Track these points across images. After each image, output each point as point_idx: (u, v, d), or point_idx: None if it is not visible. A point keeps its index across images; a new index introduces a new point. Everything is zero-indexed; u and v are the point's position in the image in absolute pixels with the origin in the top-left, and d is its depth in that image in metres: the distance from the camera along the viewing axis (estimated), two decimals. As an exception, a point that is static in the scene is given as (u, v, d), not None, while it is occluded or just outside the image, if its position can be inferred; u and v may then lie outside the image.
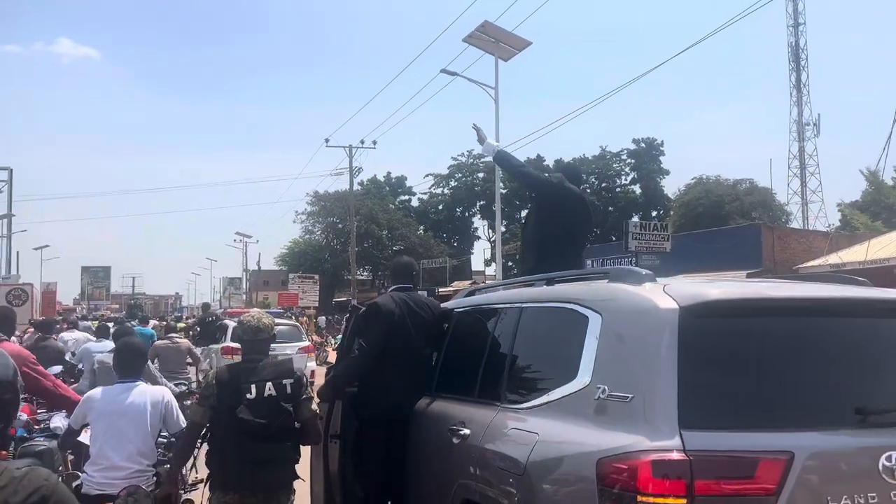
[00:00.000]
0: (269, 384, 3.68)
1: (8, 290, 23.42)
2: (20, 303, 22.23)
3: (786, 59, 47.90)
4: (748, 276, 23.83)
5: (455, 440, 3.51)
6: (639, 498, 2.44)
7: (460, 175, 63.02)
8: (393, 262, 5.15)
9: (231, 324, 14.57)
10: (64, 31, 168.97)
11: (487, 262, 64.63)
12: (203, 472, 4.20)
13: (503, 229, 63.04)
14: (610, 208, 61.49)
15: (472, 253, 65.54)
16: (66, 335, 12.46)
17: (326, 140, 37.06)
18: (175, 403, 4.25)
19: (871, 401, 2.70)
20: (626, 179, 63.18)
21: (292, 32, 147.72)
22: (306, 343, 15.66)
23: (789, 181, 50.31)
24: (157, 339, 10.63)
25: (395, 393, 4.16)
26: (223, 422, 3.67)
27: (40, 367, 5.02)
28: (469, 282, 50.61)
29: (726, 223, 41.14)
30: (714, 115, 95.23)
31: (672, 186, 61.56)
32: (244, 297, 66.00)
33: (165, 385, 5.82)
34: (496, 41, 18.56)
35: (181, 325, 19.32)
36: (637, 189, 62.22)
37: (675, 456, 2.43)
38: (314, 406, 3.88)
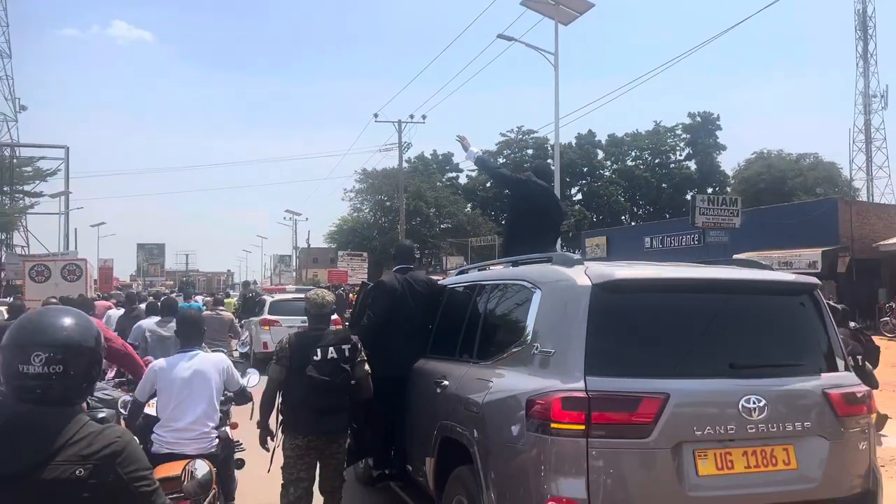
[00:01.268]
0: (331, 348, 4.61)
1: (63, 265, 24.01)
2: (75, 278, 23.05)
3: (852, 28, 46.90)
4: (824, 253, 23.13)
5: (438, 390, 4.51)
6: (552, 425, 3.37)
7: (509, 152, 63.48)
8: (396, 245, 6.17)
9: (268, 299, 16.47)
10: (119, 15, 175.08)
11: (536, 240, 65.25)
12: (238, 437, 5.21)
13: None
14: (663, 185, 61.22)
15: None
16: (112, 312, 14.11)
17: (375, 115, 37.15)
18: (232, 365, 4.58)
19: (737, 357, 3.60)
20: (680, 155, 62.75)
21: (342, 6, 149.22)
22: (336, 317, 17.02)
23: (853, 156, 49.28)
24: (205, 311, 11.99)
25: (398, 356, 5.14)
26: (295, 378, 4.58)
27: (111, 333, 5.59)
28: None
29: (789, 199, 40.68)
30: (775, 88, 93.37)
31: (729, 162, 61.05)
32: (294, 274, 68.12)
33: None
34: (556, 3, 17.97)
35: (229, 300, 20.82)
36: (692, 165, 61.72)
37: (578, 394, 3.35)
38: (366, 367, 4.75)
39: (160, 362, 4.51)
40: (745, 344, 3.73)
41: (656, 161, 62.28)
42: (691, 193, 60.87)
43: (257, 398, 4.84)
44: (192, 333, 4.60)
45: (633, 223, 57.91)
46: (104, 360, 5.67)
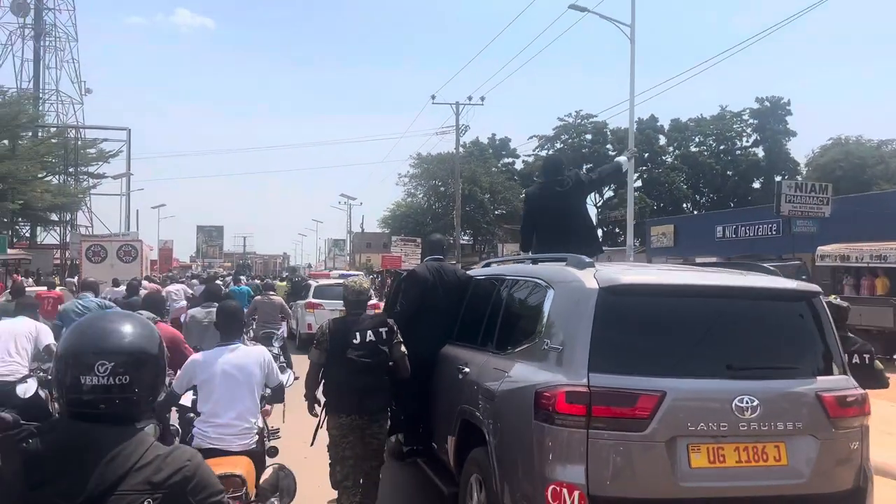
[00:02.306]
0: (369, 332, 4.97)
1: (119, 245, 24.52)
2: (130, 259, 23.52)
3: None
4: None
5: (460, 376, 4.93)
6: (556, 415, 3.75)
7: (566, 137, 63.14)
8: (427, 238, 6.64)
9: (313, 284, 17.86)
10: (182, 2, 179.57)
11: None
12: (276, 424, 5.61)
13: (611, 193, 63.23)
14: (728, 172, 60.01)
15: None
16: (170, 287, 16.29)
17: (433, 97, 37.26)
18: (273, 360, 4.61)
19: (734, 359, 3.91)
20: (747, 141, 61.37)
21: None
22: (374, 301, 17.89)
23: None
24: (257, 296, 12.81)
25: (427, 341, 5.57)
26: (336, 361, 4.95)
27: (188, 347, 5.61)
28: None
29: (868, 188, 39.44)
30: (851, 71, 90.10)
31: (800, 149, 59.31)
32: (347, 258, 69.38)
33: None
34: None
35: (281, 284, 21.74)
36: (759, 152, 60.35)
37: (581, 389, 3.72)
38: (403, 349, 5.11)
39: (199, 356, 4.54)
40: (743, 347, 4.03)
41: (721, 147, 61.06)
42: (759, 181, 59.82)
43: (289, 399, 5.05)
44: (232, 326, 4.59)
45: (694, 212, 57.08)
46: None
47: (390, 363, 5.08)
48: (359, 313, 5.16)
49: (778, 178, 59.59)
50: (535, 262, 5.09)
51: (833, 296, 6.06)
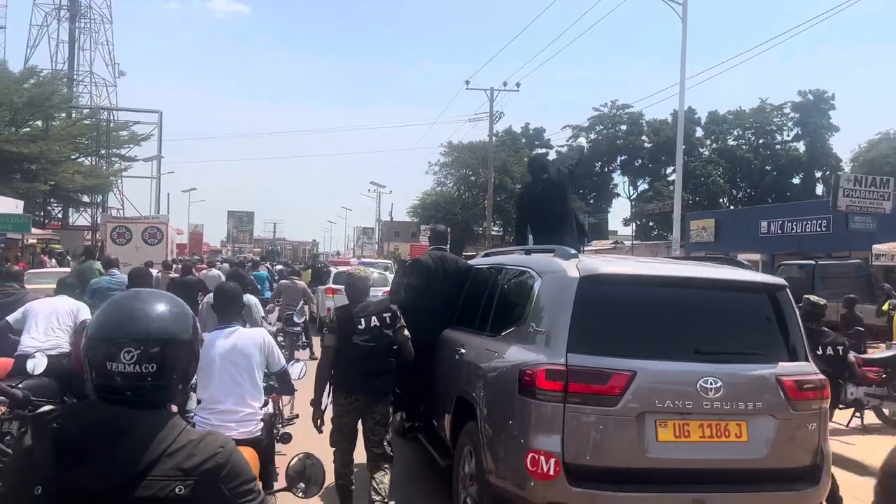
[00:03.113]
0: (373, 317, 5.27)
1: (144, 227, 24.10)
2: (155, 241, 23.36)
3: None
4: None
5: (457, 357, 5.45)
6: (536, 391, 4.24)
7: (601, 127, 63.15)
8: (431, 228, 7.17)
9: (333, 270, 19.38)
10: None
11: (626, 222, 64.68)
12: (297, 410, 5.93)
13: (645, 186, 63.07)
14: (767, 167, 59.65)
15: (610, 211, 65.58)
16: (212, 271, 16.60)
17: (467, 82, 36.98)
18: (274, 343, 4.53)
19: (702, 345, 4.37)
20: (787, 135, 60.90)
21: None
22: (386, 289, 18.84)
23: None
24: (283, 280, 13.85)
25: (429, 326, 6.07)
26: (344, 346, 5.22)
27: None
28: (609, 242, 51.05)
29: (917, 185, 39.10)
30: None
31: (844, 144, 58.54)
32: (375, 247, 70.20)
33: (266, 327, 7.23)
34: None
35: (306, 271, 22.58)
36: (800, 146, 59.88)
37: (559, 368, 4.20)
38: (406, 333, 5.39)
39: None
40: (710, 333, 4.49)
41: (760, 141, 60.68)
42: (798, 177, 59.30)
43: (301, 392, 5.26)
44: (229, 308, 4.55)
45: (731, 207, 56.81)
46: None
47: (395, 347, 5.40)
48: (361, 300, 5.47)
49: (818, 174, 59.25)
50: (528, 252, 5.58)
51: (813, 296, 6.52)
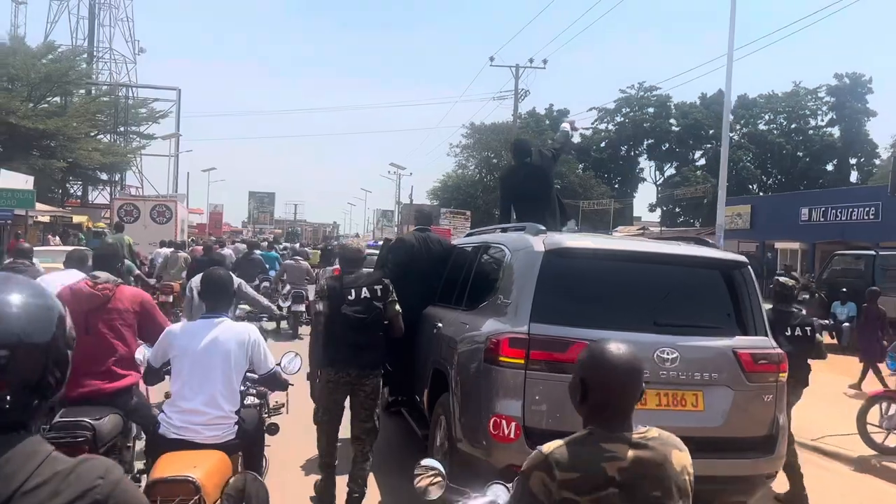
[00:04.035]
0: (364, 289, 5.33)
1: (153, 205, 24.08)
2: (164, 220, 23.18)
3: None
4: None
5: (435, 331, 5.75)
6: (500, 358, 4.52)
7: (627, 110, 62.79)
8: (415, 209, 7.47)
9: None
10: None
11: (652, 207, 64.48)
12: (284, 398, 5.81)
13: (672, 171, 62.78)
14: (799, 153, 59.00)
15: (635, 196, 65.31)
16: (224, 250, 17.25)
17: (491, 58, 35.99)
18: (262, 342, 4.18)
19: (661, 317, 4.62)
20: (821, 120, 60.10)
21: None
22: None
23: None
24: (287, 260, 14.28)
25: (412, 302, 6.30)
26: (332, 317, 5.27)
27: (160, 314, 4.97)
28: (636, 228, 50.90)
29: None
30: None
31: (882, 130, 57.63)
32: (395, 230, 70.59)
33: (264, 305, 7.30)
34: None
35: (315, 251, 22.99)
36: (835, 132, 59.13)
37: (521, 336, 4.48)
38: (397, 307, 5.46)
39: (176, 326, 4.18)
40: (670, 307, 4.75)
41: (793, 126, 59.94)
42: (832, 164, 58.53)
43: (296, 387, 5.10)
44: (218, 296, 4.23)
45: (760, 193, 56.38)
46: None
47: (385, 322, 5.47)
48: (353, 271, 5.54)
49: (853, 161, 58.47)
50: (504, 231, 5.86)
51: (783, 277, 6.76)
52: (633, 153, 65.11)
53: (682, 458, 2.14)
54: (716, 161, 59.70)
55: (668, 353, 4.47)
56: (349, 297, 5.33)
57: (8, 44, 34.46)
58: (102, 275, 4.72)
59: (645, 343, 4.51)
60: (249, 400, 4.51)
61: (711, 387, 4.55)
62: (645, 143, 63.56)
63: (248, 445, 4.11)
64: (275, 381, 4.37)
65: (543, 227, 5.04)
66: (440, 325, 5.72)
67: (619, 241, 5.17)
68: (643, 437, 2.10)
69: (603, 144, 64.82)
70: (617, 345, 2.14)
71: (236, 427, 3.93)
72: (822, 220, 28.86)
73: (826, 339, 10.10)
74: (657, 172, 64.83)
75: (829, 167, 59.05)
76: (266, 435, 4.54)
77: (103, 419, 4.19)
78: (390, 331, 5.55)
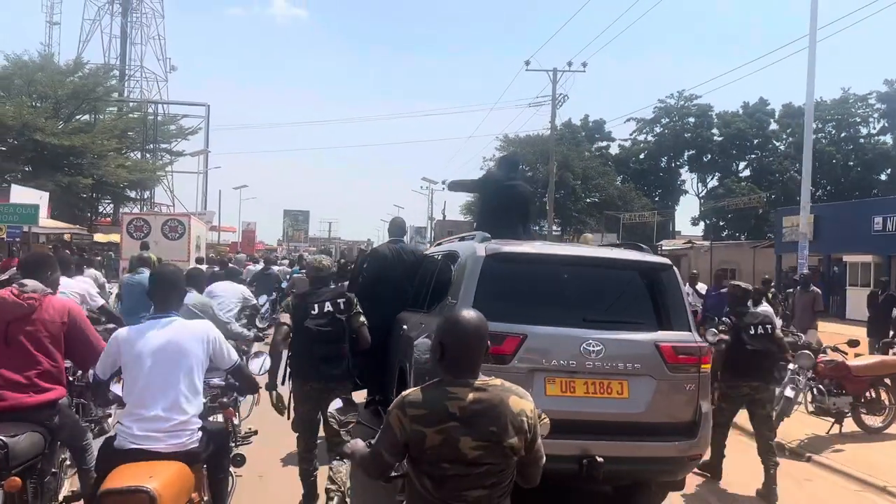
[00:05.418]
0: (327, 303, 5.67)
1: (164, 221, 23.24)
2: (176, 236, 22.31)
3: None
4: None
5: (401, 333, 6.50)
6: (443, 351, 5.23)
7: (667, 120, 62.97)
8: (390, 221, 8.22)
9: None
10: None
11: (695, 221, 64.31)
12: (255, 425, 6.00)
13: (715, 182, 62.61)
14: (850, 162, 58.52)
15: (677, 208, 65.15)
16: (250, 267, 18.33)
17: (527, 63, 35.85)
18: (221, 337, 4.14)
19: (589, 314, 5.30)
20: (873, 128, 59.63)
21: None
22: None
23: None
24: (296, 274, 15.32)
25: (386, 309, 7.08)
26: (298, 331, 5.60)
27: (92, 331, 4.64)
28: (682, 242, 50.33)
29: None
30: None
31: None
32: (428, 246, 71.43)
33: (235, 329, 7.60)
34: None
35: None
36: (888, 139, 58.59)
37: (462, 331, 5.18)
38: (362, 319, 5.78)
39: (123, 331, 4.00)
40: (599, 305, 5.45)
41: (842, 135, 59.53)
42: (885, 173, 57.83)
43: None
44: (168, 294, 4.10)
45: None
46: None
47: (353, 335, 5.73)
48: (318, 287, 5.90)
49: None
50: (462, 239, 6.62)
51: (738, 281, 7.46)
52: (673, 164, 65.14)
53: (520, 403, 2.70)
54: (761, 171, 59.89)
55: (593, 346, 5.14)
56: (312, 312, 5.65)
57: (37, 60, 36.06)
58: (30, 283, 4.42)
59: (572, 337, 5.21)
60: (216, 418, 4.62)
61: (635, 377, 5.21)
62: (686, 154, 63.60)
63: (212, 455, 4.02)
64: (243, 375, 4.42)
65: (488, 235, 5.77)
66: (405, 327, 6.48)
67: (555, 246, 5.88)
68: (485, 384, 2.68)
69: (642, 156, 64.97)
70: (467, 312, 2.79)
71: (200, 433, 3.86)
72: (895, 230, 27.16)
73: None
74: (700, 184, 64.84)
75: (883, 176, 58.48)
76: (232, 467, 4.48)
77: (18, 437, 3.90)
78: (358, 342, 5.81)
